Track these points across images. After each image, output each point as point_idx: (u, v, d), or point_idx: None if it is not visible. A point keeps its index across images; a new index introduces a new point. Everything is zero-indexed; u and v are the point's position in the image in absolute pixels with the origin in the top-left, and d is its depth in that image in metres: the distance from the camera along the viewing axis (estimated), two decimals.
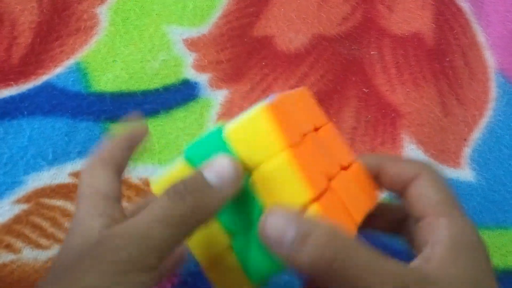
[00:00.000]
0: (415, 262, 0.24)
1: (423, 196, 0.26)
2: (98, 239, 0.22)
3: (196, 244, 0.26)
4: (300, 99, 0.26)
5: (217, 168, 0.23)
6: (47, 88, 0.41)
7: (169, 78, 0.42)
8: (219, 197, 0.23)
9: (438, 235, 0.24)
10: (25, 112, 0.40)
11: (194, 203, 0.22)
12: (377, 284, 0.21)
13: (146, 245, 0.21)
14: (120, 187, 0.26)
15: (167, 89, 0.42)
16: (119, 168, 0.26)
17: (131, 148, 0.27)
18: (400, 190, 0.28)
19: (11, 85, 0.41)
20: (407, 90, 0.44)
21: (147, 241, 0.21)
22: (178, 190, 0.22)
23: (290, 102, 0.25)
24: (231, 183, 0.23)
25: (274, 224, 0.22)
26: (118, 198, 0.25)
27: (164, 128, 0.40)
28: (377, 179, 0.28)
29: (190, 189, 0.22)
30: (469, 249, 0.24)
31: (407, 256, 0.26)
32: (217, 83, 0.43)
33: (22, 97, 0.40)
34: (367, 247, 0.22)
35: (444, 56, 0.46)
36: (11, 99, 0.40)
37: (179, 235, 0.22)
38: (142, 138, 0.28)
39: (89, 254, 0.21)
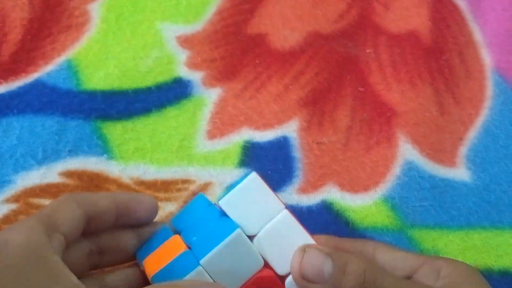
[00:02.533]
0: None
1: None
2: None
3: None
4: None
5: None
6: (38, 86, 0.40)
7: (161, 76, 0.42)
8: None
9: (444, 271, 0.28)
10: (15, 110, 0.39)
11: None
12: None
13: None
14: (81, 227, 0.26)
15: (159, 87, 0.42)
16: (90, 213, 0.27)
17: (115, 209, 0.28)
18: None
19: (1, 82, 0.40)
20: (403, 88, 0.43)
21: None
22: None
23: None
24: None
25: (311, 260, 0.25)
26: (72, 236, 0.25)
27: (156, 127, 0.40)
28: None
29: None
30: (474, 274, 0.28)
31: None
32: (210, 81, 0.42)
33: (11, 95, 0.40)
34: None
35: (440, 55, 0.46)
36: (1, 97, 0.40)
37: None
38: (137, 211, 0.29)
39: None
